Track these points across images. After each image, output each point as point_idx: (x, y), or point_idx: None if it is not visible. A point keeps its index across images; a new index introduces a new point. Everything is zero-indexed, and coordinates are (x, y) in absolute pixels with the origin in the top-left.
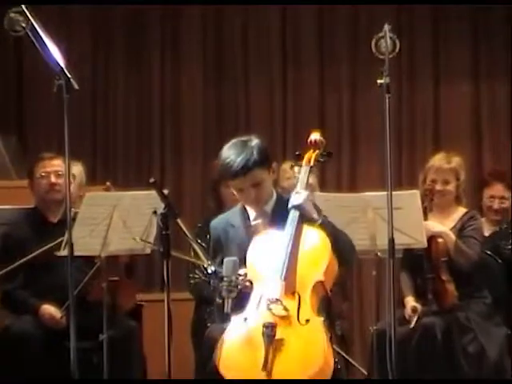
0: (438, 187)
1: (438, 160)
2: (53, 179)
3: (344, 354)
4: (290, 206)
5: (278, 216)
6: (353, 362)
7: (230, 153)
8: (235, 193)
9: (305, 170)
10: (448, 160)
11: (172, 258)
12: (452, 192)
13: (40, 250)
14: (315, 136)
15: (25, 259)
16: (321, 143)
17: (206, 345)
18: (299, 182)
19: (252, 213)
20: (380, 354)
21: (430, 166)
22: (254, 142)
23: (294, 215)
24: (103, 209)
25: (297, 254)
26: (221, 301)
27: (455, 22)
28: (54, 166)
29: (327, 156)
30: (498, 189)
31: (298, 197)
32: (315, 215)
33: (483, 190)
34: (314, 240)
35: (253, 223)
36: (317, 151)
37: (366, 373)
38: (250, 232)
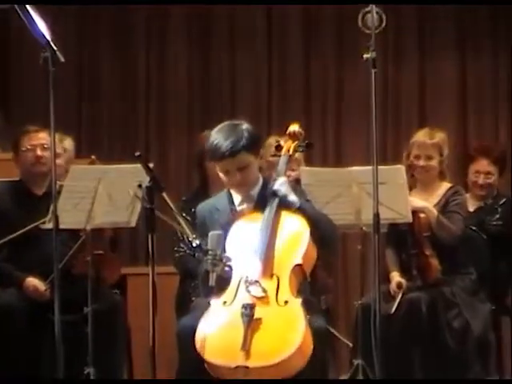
0: (421, 163)
1: (421, 135)
2: (39, 152)
3: (329, 327)
4: (267, 192)
5: (263, 201)
6: (337, 335)
7: (219, 135)
8: (221, 175)
9: (283, 159)
10: (431, 136)
11: (157, 232)
12: (435, 168)
13: (29, 227)
14: (294, 128)
15: (13, 235)
16: (299, 134)
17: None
18: (278, 170)
19: (237, 197)
20: (365, 328)
21: (413, 142)
22: (244, 125)
23: (271, 201)
24: (88, 182)
25: (275, 238)
26: (205, 274)
27: None
28: (39, 139)
29: (306, 147)
30: (483, 164)
31: (275, 184)
32: (294, 200)
33: (468, 165)
34: (293, 225)
35: (238, 208)
36: (296, 142)
37: (350, 345)
38: (235, 216)
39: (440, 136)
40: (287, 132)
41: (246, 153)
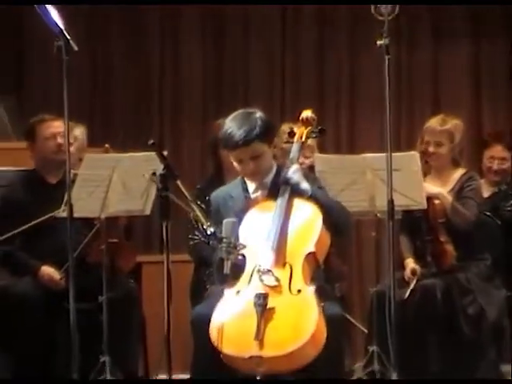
0: (431, 149)
1: (433, 122)
2: (59, 140)
3: (344, 314)
4: (280, 180)
5: (277, 188)
6: (353, 321)
7: (233, 124)
8: (235, 164)
9: (296, 146)
10: (443, 122)
11: (171, 220)
12: (445, 154)
13: (44, 218)
14: (306, 114)
15: (28, 225)
16: (312, 120)
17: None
18: (291, 158)
19: (251, 185)
20: (379, 315)
21: (425, 128)
22: (258, 114)
23: (284, 189)
24: (102, 170)
25: (287, 226)
26: (220, 262)
27: None
28: (58, 127)
29: (319, 133)
30: (497, 150)
31: (288, 171)
32: (306, 188)
33: (483, 151)
34: (305, 213)
35: (252, 195)
36: (308, 128)
37: (365, 331)
38: (249, 204)
39: (453, 123)
40: (300, 118)
41: (259, 142)
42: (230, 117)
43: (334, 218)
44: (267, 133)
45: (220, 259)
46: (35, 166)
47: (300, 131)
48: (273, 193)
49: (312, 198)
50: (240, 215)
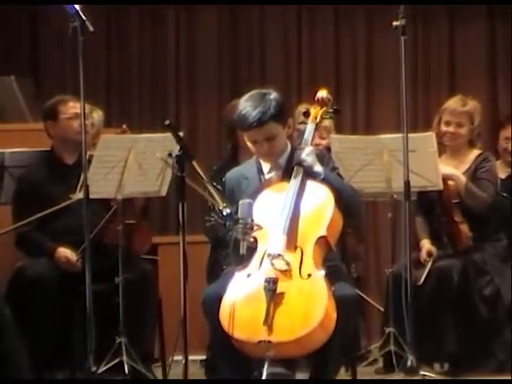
0: (451, 129)
1: (453, 102)
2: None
3: (360, 293)
4: (294, 161)
5: (291, 169)
6: (369, 300)
7: (248, 104)
8: (249, 144)
9: (310, 127)
10: (464, 103)
11: (187, 201)
12: (464, 135)
13: (63, 204)
14: (322, 93)
15: (48, 211)
16: (328, 100)
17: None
18: (305, 138)
19: (266, 166)
20: (396, 296)
21: (445, 108)
22: (273, 95)
23: (297, 171)
24: (118, 151)
25: (299, 210)
26: (236, 243)
27: None
28: (78, 108)
29: (334, 113)
30: None
31: (301, 153)
32: (319, 170)
33: (499, 131)
34: (318, 196)
35: (266, 176)
36: (324, 108)
37: (382, 309)
38: (263, 185)
39: (473, 104)
40: (315, 98)
41: (273, 123)
42: (245, 97)
43: (345, 202)
44: (282, 114)
45: (236, 240)
46: (53, 146)
47: (315, 112)
48: (287, 174)
49: (325, 180)
50: (254, 196)
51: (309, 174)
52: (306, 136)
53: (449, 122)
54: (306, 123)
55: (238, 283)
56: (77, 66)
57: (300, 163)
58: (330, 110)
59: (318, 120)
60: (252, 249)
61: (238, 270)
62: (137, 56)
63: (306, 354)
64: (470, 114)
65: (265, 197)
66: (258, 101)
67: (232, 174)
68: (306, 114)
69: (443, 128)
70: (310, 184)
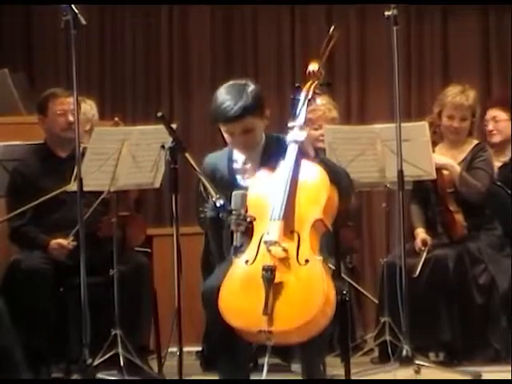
0: (455, 124)
1: (456, 96)
2: (70, 118)
3: (355, 284)
4: (289, 140)
5: (267, 158)
6: (363, 292)
7: (225, 97)
8: (225, 136)
9: (302, 101)
10: (466, 96)
11: (181, 192)
12: (467, 129)
13: (55, 192)
14: (313, 66)
15: (39, 200)
16: (319, 74)
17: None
18: (295, 113)
19: (240, 157)
20: (390, 285)
21: (448, 101)
22: (251, 87)
23: (292, 150)
24: (112, 144)
25: (295, 192)
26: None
27: None
28: (70, 103)
29: (326, 86)
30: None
31: (298, 133)
32: (312, 153)
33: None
34: (312, 177)
35: (240, 167)
36: (316, 82)
37: (376, 301)
38: (235, 176)
39: (473, 96)
40: (306, 71)
41: (251, 116)
42: (222, 89)
43: (339, 179)
44: (260, 106)
45: (230, 231)
46: (46, 139)
47: (307, 86)
48: (264, 163)
49: (317, 159)
50: (225, 188)
51: (303, 151)
52: (297, 111)
53: (452, 116)
54: (297, 99)
55: (236, 271)
56: (70, 58)
57: (296, 142)
58: (322, 83)
59: (309, 95)
60: (248, 234)
61: (236, 257)
62: (130, 49)
63: (306, 340)
64: (472, 108)
65: (258, 182)
66: (235, 93)
67: (209, 161)
68: (298, 88)
69: (446, 122)
70: (305, 164)
